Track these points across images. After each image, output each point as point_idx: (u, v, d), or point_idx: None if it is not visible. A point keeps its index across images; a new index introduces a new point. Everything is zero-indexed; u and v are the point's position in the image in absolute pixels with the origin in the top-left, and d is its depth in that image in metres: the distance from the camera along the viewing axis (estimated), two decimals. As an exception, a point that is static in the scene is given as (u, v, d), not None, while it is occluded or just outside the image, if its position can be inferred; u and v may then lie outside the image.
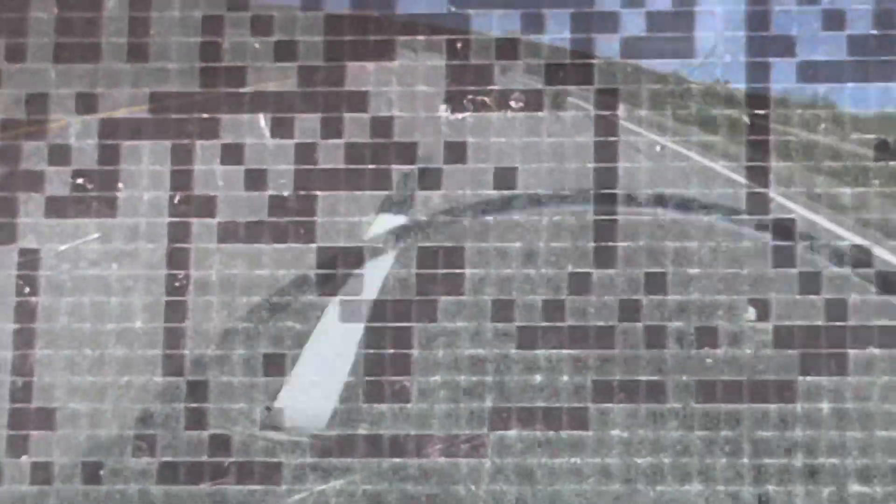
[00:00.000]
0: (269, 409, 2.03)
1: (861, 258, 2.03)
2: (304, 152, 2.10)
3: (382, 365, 2.04)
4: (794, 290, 2.03)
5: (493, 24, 2.10)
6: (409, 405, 2.03)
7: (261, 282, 2.07)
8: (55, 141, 2.12)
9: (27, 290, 2.08)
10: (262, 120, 2.10)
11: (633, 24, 2.09)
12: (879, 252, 2.04)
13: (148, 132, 2.11)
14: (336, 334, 2.05)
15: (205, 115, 2.11)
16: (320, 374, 2.05)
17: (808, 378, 2.01)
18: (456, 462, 2.02)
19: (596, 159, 2.06)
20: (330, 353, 2.05)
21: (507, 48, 2.09)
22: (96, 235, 2.09)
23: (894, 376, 2.00)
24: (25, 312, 2.08)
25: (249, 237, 2.08)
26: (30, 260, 2.09)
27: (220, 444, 2.04)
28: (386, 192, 2.08)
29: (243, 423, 2.04)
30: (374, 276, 2.06)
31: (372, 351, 2.04)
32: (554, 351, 2.03)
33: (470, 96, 2.09)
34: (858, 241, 2.04)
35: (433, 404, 2.03)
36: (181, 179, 2.10)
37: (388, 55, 2.10)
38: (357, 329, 2.05)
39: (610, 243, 2.05)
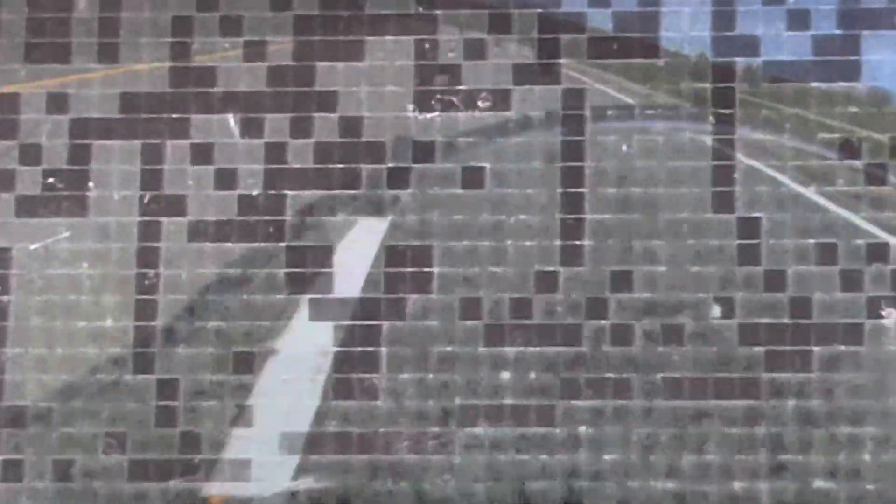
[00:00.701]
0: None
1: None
2: (274, 152, 2.11)
3: (352, 362, 2.06)
4: (759, 288, 2.05)
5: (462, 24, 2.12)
6: (378, 402, 2.05)
7: (232, 280, 2.08)
8: (26, 140, 2.12)
9: (-2, 288, 2.10)
10: (232, 120, 2.11)
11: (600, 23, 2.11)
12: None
13: (118, 132, 2.12)
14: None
15: (175, 115, 2.12)
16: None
17: (773, 375, 2.03)
18: (425, 458, 2.03)
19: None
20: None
21: (476, 47, 2.11)
22: (67, 234, 2.10)
23: (858, 373, 2.02)
24: (-4, 311, 2.10)
25: (219, 236, 2.09)
26: (0, 259, 2.10)
27: (191, 441, 2.05)
28: (355, 192, 2.10)
29: (214, 421, 2.05)
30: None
31: (341, 349, 2.06)
32: (521, 349, 2.05)
33: (438, 96, 2.10)
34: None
35: (402, 401, 2.05)
36: (151, 179, 2.11)
37: (358, 55, 2.12)
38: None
39: (577, 242, 2.06)
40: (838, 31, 2.09)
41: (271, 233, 2.09)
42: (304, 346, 2.06)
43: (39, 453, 2.06)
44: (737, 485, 2.01)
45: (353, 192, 2.10)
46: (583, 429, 2.03)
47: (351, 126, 2.11)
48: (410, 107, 2.10)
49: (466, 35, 2.11)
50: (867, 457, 2.01)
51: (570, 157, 2.08)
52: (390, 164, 2.10)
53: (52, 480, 2.05)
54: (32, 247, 2.10)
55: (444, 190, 2.08)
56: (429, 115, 2.10)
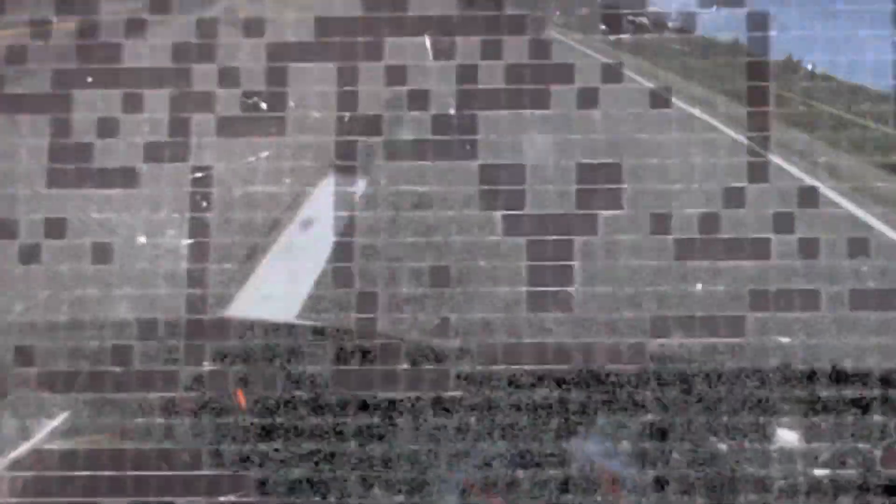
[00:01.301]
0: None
1: None
2: (466, 73, 2.17)
3: (544, 274, 2.12)
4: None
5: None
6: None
7: (430, 200, 2.15)
8: (225, 63, 2.19)
9: (204, 204, 2.17)
10: (428, 41, 2.18)
11: None
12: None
13: (314, 55, 2.19)
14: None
15: (368, 38, 2.19)
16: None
17: None
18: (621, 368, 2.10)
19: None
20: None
21: None
22: (267, 153, 2.17)
23: None
24: (199, 226, 2.17)
25: (415, 154, 2.16)
26: (204, 177, 2.17)
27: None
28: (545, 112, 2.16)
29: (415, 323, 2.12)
30: None
31: (535, 263, 2.12)
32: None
33: (629, 17, 2.16)
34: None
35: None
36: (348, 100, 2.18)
37: (548, -21, 2.18)
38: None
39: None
40: None
41: (466, 150, 2.15)
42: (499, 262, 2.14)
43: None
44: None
45: (543, 111, 2.16)
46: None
47: (540, 48, 2.17)
48: (602, 28, 2.16)
49: None
50: None
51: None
52: (579, 85, 2.16)
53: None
54: (236, 164, 2.17)
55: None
56: (613, 38, 2.16)
